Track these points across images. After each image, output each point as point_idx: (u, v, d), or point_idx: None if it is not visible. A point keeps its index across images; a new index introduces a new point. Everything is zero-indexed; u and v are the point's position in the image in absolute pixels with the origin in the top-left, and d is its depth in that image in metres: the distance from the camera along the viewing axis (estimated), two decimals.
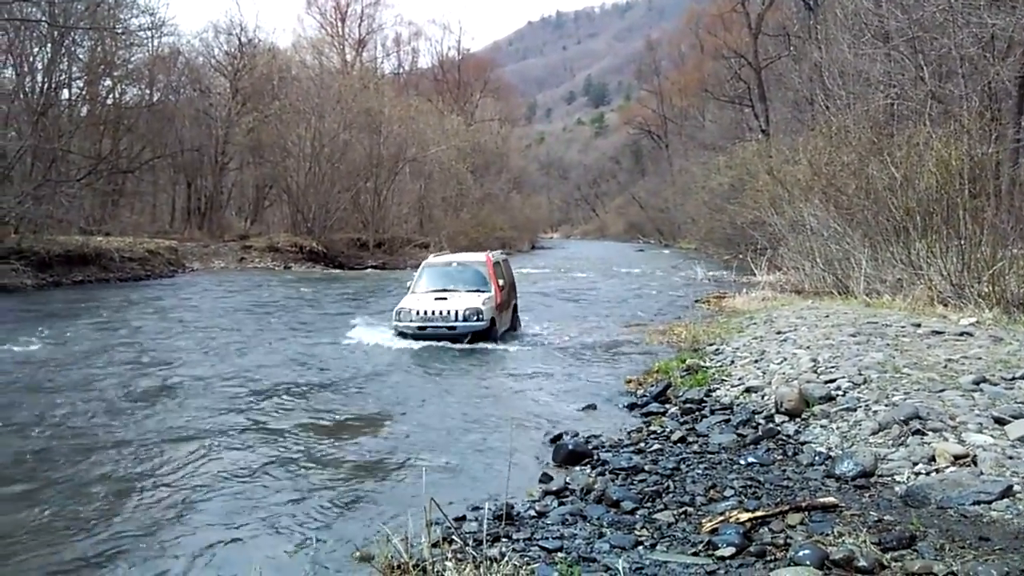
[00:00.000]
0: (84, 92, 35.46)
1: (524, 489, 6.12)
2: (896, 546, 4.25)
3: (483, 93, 78.28)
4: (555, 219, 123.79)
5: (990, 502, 4.76)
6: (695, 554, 4.50)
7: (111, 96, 37.48)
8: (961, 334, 9.14)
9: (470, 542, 4.55)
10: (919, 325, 9.89)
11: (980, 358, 7.85)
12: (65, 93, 34.36)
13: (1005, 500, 4.76)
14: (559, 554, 4.57)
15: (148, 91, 41.02)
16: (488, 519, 5.07)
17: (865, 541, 4.31)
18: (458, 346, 13.43)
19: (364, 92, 46.31)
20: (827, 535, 4.48)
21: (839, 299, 14.78)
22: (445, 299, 14.11)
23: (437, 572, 4.18)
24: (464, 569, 4.19)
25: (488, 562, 4.15)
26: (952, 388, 6.82)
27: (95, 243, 29.05)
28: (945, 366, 7.66)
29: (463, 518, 5.40)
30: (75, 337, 14.47)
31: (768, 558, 4.35)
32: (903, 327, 9.87)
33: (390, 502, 5.95)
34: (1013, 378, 6.91)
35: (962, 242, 12.35)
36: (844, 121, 19.65)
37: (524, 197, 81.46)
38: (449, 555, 4.52)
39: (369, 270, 37.54)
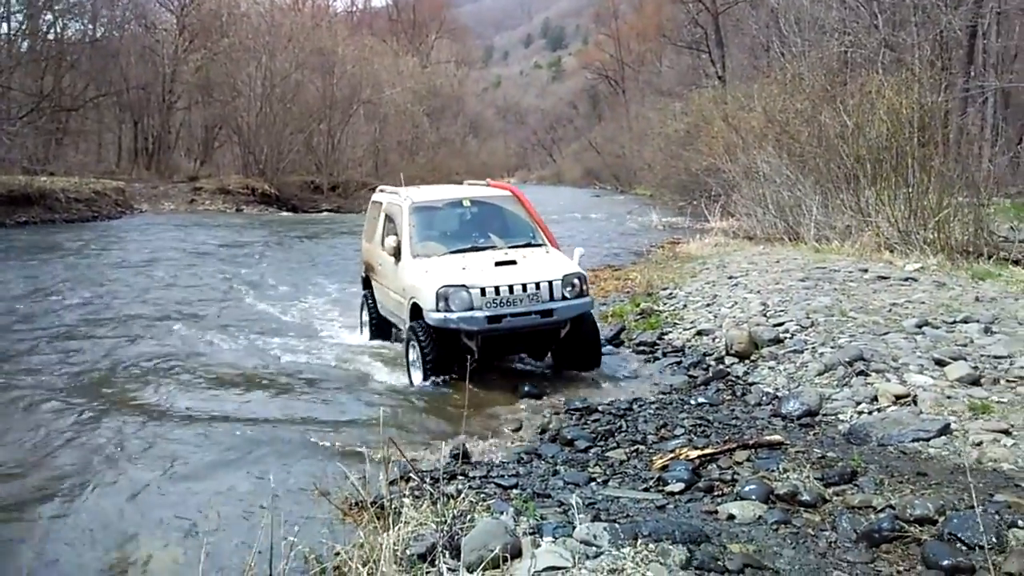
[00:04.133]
0: (24, 27, 34.08)
1: (480, 429, 6.19)
2: (838, 481, 4.42)
3: (439, 34, 76.81)
4: (512, 164, 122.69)
5: (928, 439, 4.95)
6: (646, 490, 4.63)
7: (52, 31, 36.08)
8: (906, 279, 9.38)
9: (427, 480, 4.61)
10: (866, 270, 10.12)
11: (923, 303, 8.08)
12: (3, 27, 33.08)
13: (942, 438, 4.96)
14: (514, 491, 4.66)
15: (91, 26, 39.54)
16: (445, 458, 5.15)
17: (809, 476, 4.47)
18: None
19: (316, 31, 45.14)
20: (773, 471, 4.64)
21: (790, 245, 15.00)
22: (514, 261, 7.87)
23: (395, 509, 4.23)
24: (421, 506, 4.26)
25: (445, 498, 4.22)
26: (896, 331, 7.03)
27: (39, 183, 28.13)
28: (890, 310, 7.87)
29: (420, 458, 5.47)
30: (17, 277, 14.15)
31: (716, 493, 4.50)
32: (850, 272, 10.10)
33: (347, 443, 5.96)
34: (954, 322, 7.14)
35: (910, 190, 12.59)
36: (798, 68, 19.71)
37: (480, 141, 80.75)
38: (407, 492, 4.59)
39: (324, 213, 37.04)
